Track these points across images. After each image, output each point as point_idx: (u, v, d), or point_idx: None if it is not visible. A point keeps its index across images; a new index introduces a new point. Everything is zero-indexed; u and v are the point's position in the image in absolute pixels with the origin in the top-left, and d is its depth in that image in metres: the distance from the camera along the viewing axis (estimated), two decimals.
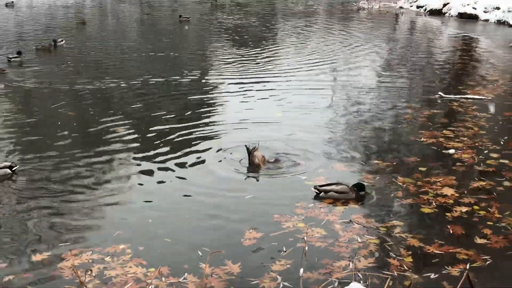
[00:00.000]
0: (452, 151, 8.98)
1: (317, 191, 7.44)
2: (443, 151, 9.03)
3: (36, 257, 5.97)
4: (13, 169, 8.15)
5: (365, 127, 10.49)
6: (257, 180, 8.07)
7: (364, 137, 9.90)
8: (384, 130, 10.37)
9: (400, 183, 7.82)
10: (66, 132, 9.95)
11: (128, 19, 26.23)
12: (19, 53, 16.06)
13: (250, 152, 8.43)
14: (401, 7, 28.79)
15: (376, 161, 8.68)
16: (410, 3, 28.94)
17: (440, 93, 12.48)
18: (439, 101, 12.11)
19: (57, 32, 20.54)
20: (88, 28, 22.33)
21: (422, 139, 9.61)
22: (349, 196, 7.39)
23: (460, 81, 14.30)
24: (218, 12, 27.76)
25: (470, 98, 12.17)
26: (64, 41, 17.82)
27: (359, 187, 7.45)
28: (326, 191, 7.38)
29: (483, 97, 12.24)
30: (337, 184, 7.49)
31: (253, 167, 8.36)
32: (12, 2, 29.36)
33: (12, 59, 15.79)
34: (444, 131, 10.02)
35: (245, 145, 8.55)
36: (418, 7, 27.87)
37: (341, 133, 10.10)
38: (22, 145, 9.38)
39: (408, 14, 26.93)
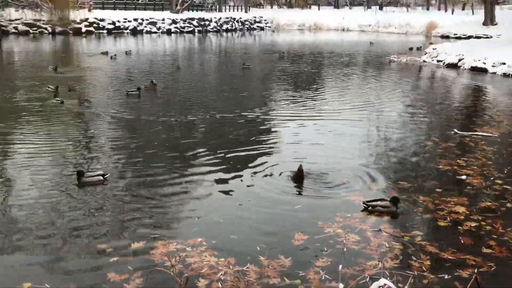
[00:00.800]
0: (464, 177, 8.80)
1: (365, 205, 7.37)
2: (457, 177, 8.84)
3: (134, 245, 6.12)
4: (105, 176, 8.31)
5: (393, 154, 10.36)
6: (304, 194, 8.03)
7: (392, 162, 9.78)
8: (409, 158, 10.18)
9: (421, 201, 7.67)
10: (159, 153, 10.18)
11: (209, 65, 26.79)
12: (138, 89, 16.35)
13: (298, 170, 8.44)
14: (424, 61, 28.32)
15: (402, 183, 8.52)
16: (432, 58, 28.45)
17: (455, 129, 12.20)
18: (454, 136, 11.82)
19: (159, 75, 21.12)
20: (182, 72, 22.86)
21: (440, 166, 9.41)
22: (392, 210, 7.30)
23: (471, 121, 13.95)
24: (281, 61, 27.92)
25: (479, 135, 11.86)
26: (156, 82, 17.85)
27: (394, 200, 7.36)
28: (373, 206, 7.31)
29: (491, 134, 11.91)
30: (381, 200, 7.45)
31: (299, 183, 8.36)
32: (130, 51, 30.56)
33: (130, 93, 16.18)
34: (458, 160, 9.78)
35: (300, 167, 8.55)
36: (438, 61, 27.36)
37: (373, 158, 9.98)
38: (123, 161, 9.63)
39: (430, 66, 26.46)
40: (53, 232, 6.54)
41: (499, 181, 8.55)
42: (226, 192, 8.02)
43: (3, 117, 13.02)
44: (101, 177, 8.26)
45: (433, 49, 30.04)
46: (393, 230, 6.76)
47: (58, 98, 15.04)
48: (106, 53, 27.93)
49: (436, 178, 8.80)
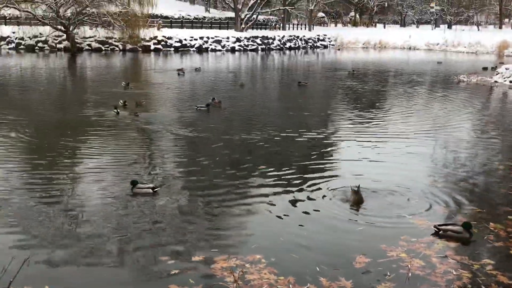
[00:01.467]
0: None
1: (436, 229, 7.13)
2: None
3: (194, 258, 6.22)
4: (155, 189, 8.56)
5: (462, 177, 9.92)
6: (367, 215, 7.84)
7: (461, 186, 9.35)
8: (479, 181, 9.73)
9: (491, 228, 7.30)
10: (220, 169, 10.32)
11: (271, 82, 26.96)
12: (207, 105, 16.78)
13: (356, 192, 8.28)
14: (495, 81, 27.13)
15: (470, 207, 8.17)
16: (504, 78, 27.20)
17: None
18: None
19: (224, 92, 21.48)
20: (245, 89, 23.13)
21: None
22: (464, 236, 7.01)
23: None
24: (346, 79, 27.67)
25: None
26: (218, 99, 18.09)
27: (467, 226, 7.06)
28: (445, 230, 7.06)
29: None
30: (454, 224, 7.17)
31: (357, 205, 8.18)
32: (200, 67, 31.43)
33: (199, 108, 16.64)
34: None
35: (351, 187, 8.41)
36: (510, 82, 26.12)
37: (441, 181, 9.62)
38: (184, 176, 9.84)
39: (501, 87, 25.30)
40: (113, 242, 6.77)
41: None
42: (286, 211, 7.99)
43: (74, 130, 13.74)
44: (150, 190, 8.52)
45: (506, 69, 28.72)
46: (461, 257, 6.46)
47: (115, 110, 15.85)
48: (181, 70, 28.95)
49: (509, 204, 8.34)
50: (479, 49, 59.70)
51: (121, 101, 17.33)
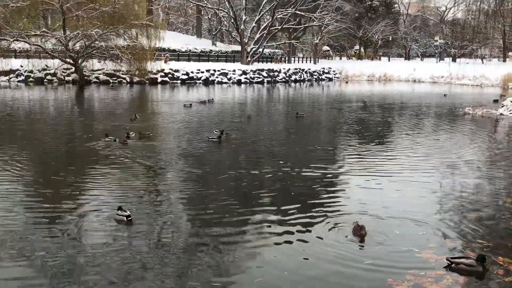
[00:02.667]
0: None
1: (449, 262, 7.03)
2: None
3: None
4: (129, 218, 8.70)
5: (469, 210, 9.83)
6: (373, 249, 7.75)
7: (469, 219, 9.25)
8: (487, 215, 9.62)
9: (500, 262, 7.18)
10: (225, 202, 10.29)
11: (277, 114, 27.01)
12: (219, 136, 17.04)
13: (358, 227, 8.19)
14: (501, 114, 27.18)
15: (479, 241, 8.06)
16: (510, 111, 27.25)
17: None
18: None
19: (231, 124, 21.61)
20: (252, 122, 23.19)
21: None
22: (478, 269, 6.90)
23: None
24: (351, 112, 27.75)
25: None
26: (227, 132, 18.39)
27: (481, 259, 6.95)
28: (457, 263, 6.96)
29: None
30: (467, 258, 7.06)
31: (360, 238, 8.08)
32: (213, 99, 31.95)
33: (210, 139, 16.89)
34: None
35: (356, 223, 8.35)
36: None
37: (448, 214, 9.55)
38: (188, 206, 9.79)
39: (507, 120, 25.31)
40: (113, 273, 6.71)
41: None
42: (291, 245, 7.92)
43: (79, 161, 13.81)
44: (125, 218, 8.68)
45: (511, 101, 28.80)
46: None
47: (110, 137, 16.50)
48: (205, 102, 30.22)
49: None
50: (483, 82, 60.04)
51: (130, 132, 17.50)
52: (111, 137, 16.54)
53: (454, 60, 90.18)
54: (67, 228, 8.41)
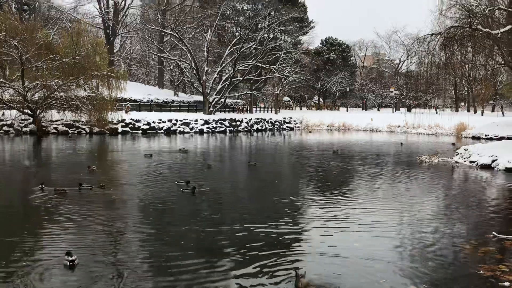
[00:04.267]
0: (507, 283, 8.31)
1: None
2: (500, 283, 8.33)
3: None
4: (71, 263, 8.82)
5: (429, 258, 9.90)
6: None
7: (429, 267, 9.31)
8: (447, 262, 9.71)
9: None
10: (184, 257, 10.04)
11: (237, 163, 27.01)
12: (194, 188, 16.57)
13: (298, 277, 8.06)
14: (456, 162, 28.08)
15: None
16: (464, 159, 28.20)
17: (494, 233, 11.71)
18: (493, 240, 11.33)
19: (191, 174, 21.35)
20: (212, 172, 22.96)
21: (481, 272, 8.94)
22: None
23: (510, 223, 13.41)
24: (325, 159, 28.04)
25: None
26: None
27: None
28: None
29: None
30: None
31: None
32: (184, 148, 31.91)
33: (184, 190, 16.54)
34: (499, 265, 9.29)
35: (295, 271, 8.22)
36: (471, 162, 27.06)
37: (407, 262, 9.58)
38: (148, 259, 9.48)
39: (462, 167, 26.13)
40: None
41: None
42: None
43: (26, 216, 13.28)
44: (67, 262, 8.80)
45: (465, 150, 29.87)
46: None
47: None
48: (185, 150, 30.74)
49: (478, 284, 8.32)
50: (438, 131, 62.28)
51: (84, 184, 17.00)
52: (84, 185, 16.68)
53: (409, 110, 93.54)
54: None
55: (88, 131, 46.27)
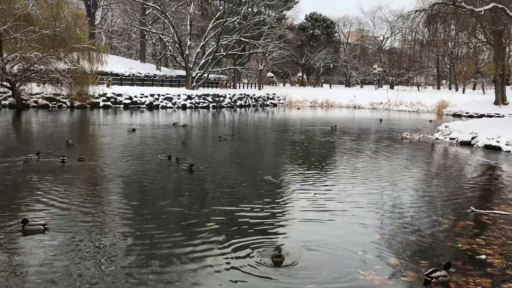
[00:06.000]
0: (484, 256, 8.48)
1: (428, 278, 7.24)
2: (477, 256, 8.50)
3: None
4: (45, 226, 9.00)
5: (408, 231, 10.03)
6: (315, 277, 7.72)
7: (408, 240, 9.44)
8: (425, 236, 9.83)
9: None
10: (164, 223, 10.01)
11: (210, 141, 26.95)
12: (191, 165, 16.26)
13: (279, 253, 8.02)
14: (437, 138, 28.42)
15: (419, 261, 8.21)
16: (444, 136, 28.55)
17: (472, 207, 11.92)
18: (471, 214, 11.53)
19: (169, 149, 21.21)
20: (187, 148, 22.83)
21: (459, 245, 9.11)
22: (448, 278, 7.36)
23: (488, 199, 13.67)
24: (286, 134, 28.08)
25: (497, 213, 11.58)
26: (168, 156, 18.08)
27: (447, 266, 7.56)
28: (436, 277, 7.24)
29: (508, 213, 11.61)
30: (438, 270, 7.38)
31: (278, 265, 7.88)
32: (177, 123, 31.19)
33: (183, 167, 16.26)
34: (476, 239, 9.48)
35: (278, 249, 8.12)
36: (451, 139, 27.41)
37: (387, 236, 9.69)
38: (129, 229, 9.44)
39: (443, 144, 26.47)
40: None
41: None
42: (219, 273, 7.72)
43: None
44: (41, 227, 8.91)
45: (446, 127, 30.22)
46: None
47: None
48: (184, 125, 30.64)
49: (455, 257, 8.46)
50: (420, 108, 62.82)
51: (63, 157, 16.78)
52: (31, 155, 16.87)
53: (392, 87, 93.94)
54: None
55: (69, 105, 45.59)
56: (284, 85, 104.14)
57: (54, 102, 45.28)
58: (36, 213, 10.44)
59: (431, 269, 7.40)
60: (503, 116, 46.00)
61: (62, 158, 16.61)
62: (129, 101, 50.04)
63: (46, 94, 44.99)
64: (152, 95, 52.43)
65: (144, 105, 50.92)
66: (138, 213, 10.85)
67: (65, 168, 15.70)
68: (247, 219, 10.53)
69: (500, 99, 54.14)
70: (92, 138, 25.86)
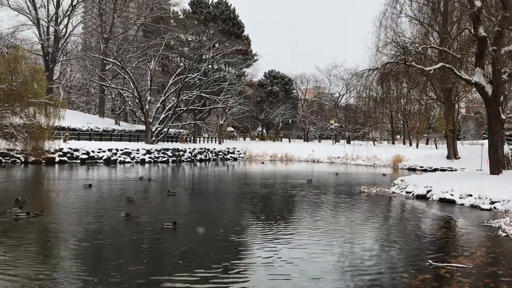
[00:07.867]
0: None
1: None
2: None
3: None
4: None
5: (368, 286, 9.97)
6: None
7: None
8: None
9: None
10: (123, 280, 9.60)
11: (158, 197, 26.57)
12: (174, 223, 15.88)
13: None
14: (393, 192, 28.97)
15: None
16: (401, 189, 29.18)
17: (430, 261, 12.04)
18: (429, 268, 11.62)
19: (122, 205, 20.76)
20: (135, 205, 22.26)
21: None
22: None
23: (445, 252, 13.83)
24: (248, 187, 27.99)
25: (454, 266, 11.72)
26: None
27: None
28: None
29: (465, 266, 11.79)
30: None
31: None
32: (143, 176, 30.49)
33: (166, 226, 15.68)
34: None
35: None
36: (407, 192, 28.02)
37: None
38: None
39: (399, 197, 26.98)
40: None
41: None
42: None
43: None
44: None
45: (402, 180, 30.91)
46: None
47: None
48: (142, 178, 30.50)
49: None
50: (376, 162, 64.27)
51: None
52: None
53: (348, 142, 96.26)
54: None
55: (23, 160, 44.19)
56: (244, 139, 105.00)
57: (8, 158, 43.83)
58: None
59: None
60: (456, 170, 47.60)
61: (15, 215, 16.02)
62: (86, 156, 49.09)
63: None
64: (110, 150, 51.65)
65: (101, 160, 50.00)
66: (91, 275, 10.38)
67: (10, 225, 15.00)
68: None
69: (452, 154, 56.20)
70: (46, 194, 24.98)
